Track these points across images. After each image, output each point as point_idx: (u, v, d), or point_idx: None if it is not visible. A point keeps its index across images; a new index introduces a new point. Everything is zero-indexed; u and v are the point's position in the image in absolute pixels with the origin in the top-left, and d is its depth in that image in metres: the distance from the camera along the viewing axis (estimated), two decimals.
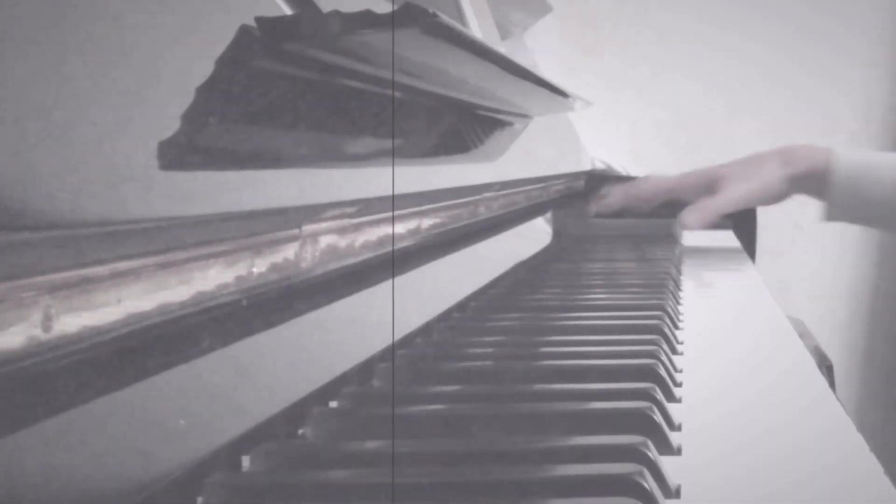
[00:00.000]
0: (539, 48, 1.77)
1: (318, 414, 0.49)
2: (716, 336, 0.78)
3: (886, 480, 0.43)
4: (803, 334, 1.24)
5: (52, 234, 0.30)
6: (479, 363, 0.64)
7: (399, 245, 0.67)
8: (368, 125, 0.62)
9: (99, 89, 0.34)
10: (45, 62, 0.32)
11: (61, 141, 0.31)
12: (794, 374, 0.65)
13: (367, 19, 0.48)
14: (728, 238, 1.54)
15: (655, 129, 2.32)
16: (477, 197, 0.91)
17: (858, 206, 1.31)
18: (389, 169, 0.61)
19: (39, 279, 0.31)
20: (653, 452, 0.43)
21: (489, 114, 0.99)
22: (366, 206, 0.59)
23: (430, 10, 0.49)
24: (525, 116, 1.14)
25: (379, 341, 0.61)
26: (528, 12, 1.67)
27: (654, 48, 2.31)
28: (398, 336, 0.64)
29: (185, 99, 0.40)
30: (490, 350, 0.69)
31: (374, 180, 0.60)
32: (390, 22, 0.48)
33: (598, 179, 1.59)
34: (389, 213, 0.64)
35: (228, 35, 0.45)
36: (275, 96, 0.49)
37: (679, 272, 1.13)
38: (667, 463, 0.43)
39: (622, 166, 1.76)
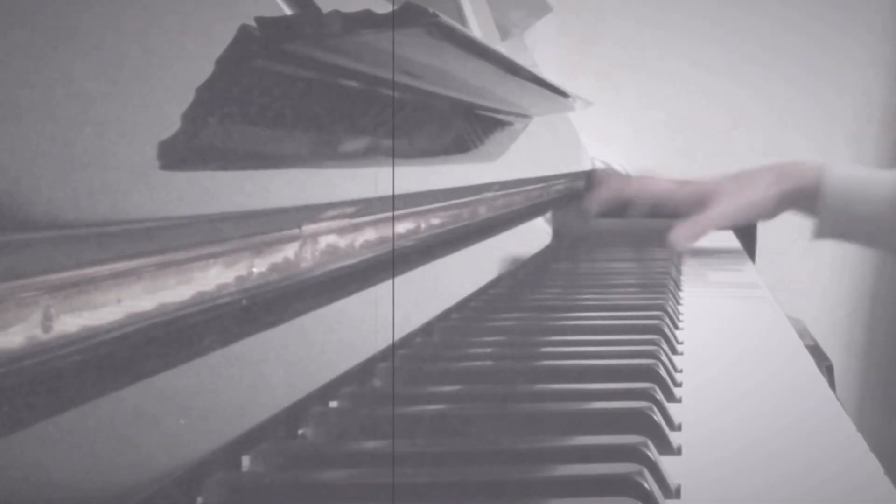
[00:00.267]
0: (539, 48, 1.77)
1: (318, 414, 0.49)
2: (716, 336, 0.78)
3: (886, 480, 0.43)
4: (803, 334, 1.24)
5: (52, 234, 0.30)
6: (479, 363, 0.64)
7: (399, 245, 0.67)
8: (368, 125, 0.62)
9: (99, 89, 0.34)
10: (45, 62, 0.32)
11: (61, 141, 0.31)
12: (794, 375, 0.65)
13: (367, 19, 0.48)
14: (728, 238, 1.54)
15: (655, 130, 2.32)
16: (477, 197, 0.91)
17: (848, 223, 1.31)
18: (389, 169, 0.61)
19: (39, 279, 0.31)
20: (653, 452, 0.43)
21: (489, 114, 0.99)
22: (366, 206, 0.59)
23: (431, 10, 0.49)
24: (525, 116, 1.14)
25: (379, 341, 0.61)
26: (528, 12, 1.67)
27: (654, 48, 2.31)
28: (398, 336, 0.64)
29: (186, 99, 0.40)
30: (490, 350, 0.69)
31: (374, 180, 0.60)
32: (390, 22, 0.48)
33: (598, 179, 1.59)
34: (389, 213, 0.64)
35: (228, 35, 0.45)
36: (275, 96, 0.49)
37: (679, 272, 1.13)
38: (667, 463, 0.43)
39: (622, 166, 1.76)
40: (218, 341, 0.43)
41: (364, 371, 0.58)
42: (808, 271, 2.35)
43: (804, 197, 1.33)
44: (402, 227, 0.68)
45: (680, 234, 1.32)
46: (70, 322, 0.33)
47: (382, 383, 0.59)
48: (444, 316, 0.76)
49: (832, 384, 1.52)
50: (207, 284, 0.41)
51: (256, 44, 0.46)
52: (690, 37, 2.30)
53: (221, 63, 0.43)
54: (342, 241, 0.56)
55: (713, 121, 2.32)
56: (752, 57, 2.29)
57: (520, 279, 1.03)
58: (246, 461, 0.43)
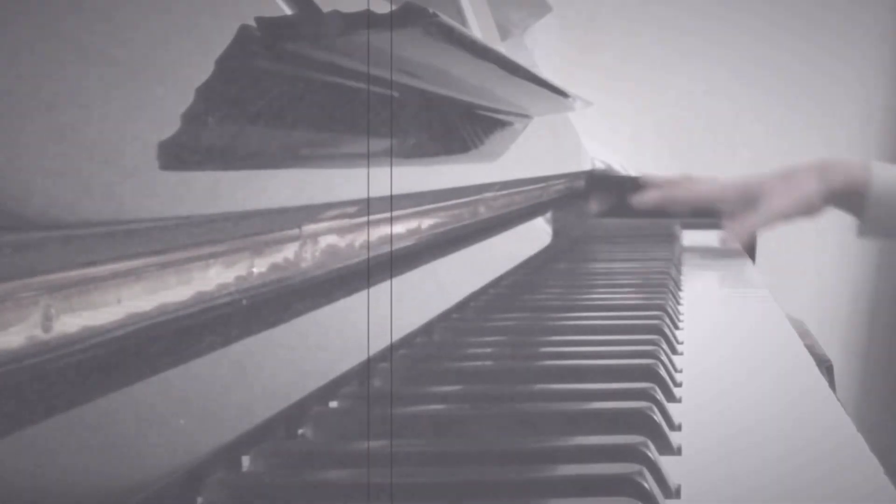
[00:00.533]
0: (539, 48, 1.77)
1: (318, 414, 0.49)
2: (716, 336, 0.78)
3: (886, 480, 0.43)
4: (803, 334, 1.24)
5: (52, 234, 0.30)
6: (479, 363, 0.64)
7: (399, 245, 0.67)
8: (368, 125, 0.62)
9: (99, 89, 0.34)
10: (45, 62, 0.32)
11: (61, 141, 0.31)
12: (794, 374, 0.65)
13: (367, 19, 0.48)
14: None
15: (656, 129, 2.32)
16: (477, 197, 0.91)
17: (894, 222, 1.32)
18: (389, 169, 0.61)
19: (39, 279, 0.31)
20: (653, 452, 0.43)
21: (489, 114, 0.99)
22: (366, 206, 0.59)
23: (431, 10, 0.49)
24: (525, 116, 1.14)
25: (379, 341, 0.61)
26: (528, 12, 1.67)
27: (654, 48, 2.31)
28: (398, 336, 0.64)
29: (185, 99, 0.40)
30: (490, 350, 0.69)
31: (374, 180, 0.60)
32: (390, 22, 0.48)
33: (598, 179, 1.59)
34: (389, 213, 0.64)
35: (228, 35, 0.45)
36: (275, 96, 0.49)
37: (679, 272, 1.13)
38: (667, 463, 0.43)
39: (622, 166, 1.76)
40: (218, 341, 0.43)
41: (364, 371, 0.58)
42: (808, 271, 2.35)
43: (850, 195, 1.33)
44: (402, 227, 0.68)
45: (733, 233, 1.32)
46: (70, 322, 0.33)
47: (382, 383, 0.59)
48: (444, 316, 0.76)
49: (832, 384, 1.52)
50: (207, 284, 0.41)
51: (256, 44, 0.46)
52: (690, 37, 2.30)
53: (221, 63, 0.43)
54: (342, 241, 0.56)
55: (713, 121, 2.32)
56: (753, 56, 2.29)
57: (520, 279, 1.03)
58: (246, 461, 0.43)
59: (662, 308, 0.81)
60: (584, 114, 1.39)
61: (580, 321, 0.79)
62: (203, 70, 0.42)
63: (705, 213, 1.44)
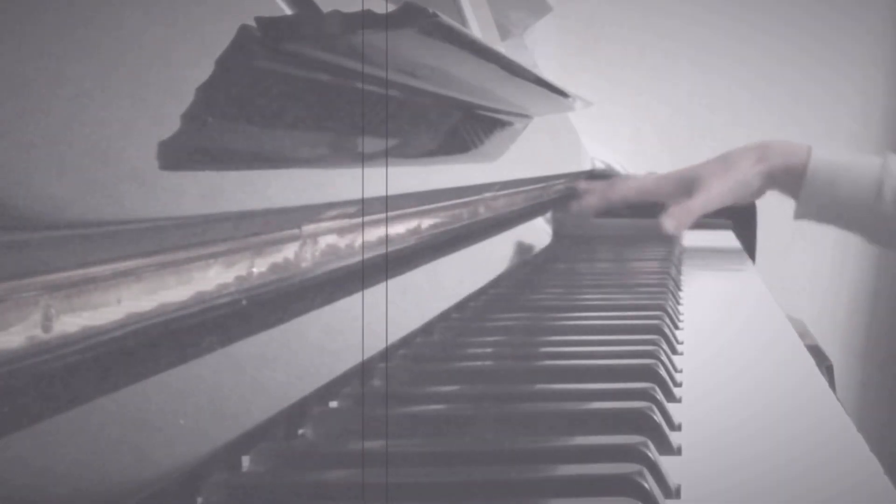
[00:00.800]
0: (539, 48, 1.77)
1: (318, 414, 0.49)
2: (716, 336, 0.78)
3: (886, 480, 0.43)
4: (803, 334, 1.24)
5: (52, 234, 0.30)
6: (479, 363, 0.64)
7: (399, 245, 0.67)
8: (368, 125, 0.62)
9: (99, 89, 0.34)
10: (46, 62, 0.32)
11: (61, 141, 0.31)
12: (794, 374, 0.65)
13: (367, 19, 0.48)
14: (728, 238, 1.54)
15: (655, 129, 2.32)
16: (477, 197, 0.91)
17: (830, 206, 1.31)
18: (389, 168, 0.61)
19: (39, 279, 0.31)
20: (653, 452, 0.43)
21: (489, 114, 0.99)
22: (366, 207, 0.59)
23: (430, 10, 0.49)
24: (525, 116, 1.14)
25: (379, 341, 0.61)
26: (528, 12, 1.67)
27: (653, 48, 2.31)
28: (398, 336, 0.64)
29: (185, 99, 0.40)
30: (490, 350, 0.69)
31: (374, 180, 0.60)
32: (390, 22, 0.48)
33: (598, 179, 1.59)
34: (389, 213, 0.64)
35: (228, 35, 0.45)
36: (275, 96, 0.49)
37: (679, 272, 1.13)
38: (667, 463, 0.43)
39: (622, 166, 1.76)
40: (218, 341, 0.43)
41: (365, 371, 0.58)
42: (808, 271, 2.35)
43: (789, 176, 1.33)
44: (402, 227, 0.68)
45: (671, 219, 1.32)
46: (70, 322, 0.33)
47: (382, 383, 0.59)
48: (445, 316, 0.76)
49: (832, 384, 1.52)
50: (207, 284, 0.41)
51: (256, 44, 0.46)
52: (690, 36, 2.30)
53: (221, 63, 0.43)
54: (342, 241, 0.56)
55: (713, 121, 2.32)
56: (752, 56, 2.29)
57: (520, 279, 1.03)
58: (246, 461, 0.43)
59: (662, 308, 0.81)
60: (584, 114, 1.39)
61: (580, 321, 0.79)
62: (203, 70, 0.42)
63: (648, 207, 1.44)
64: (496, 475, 0.41)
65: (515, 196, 1.11)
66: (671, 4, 2.30)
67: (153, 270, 0.37)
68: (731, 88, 2.30)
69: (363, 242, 0.59)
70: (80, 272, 0.33)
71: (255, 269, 0.46)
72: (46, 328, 0.31)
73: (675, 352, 0.69)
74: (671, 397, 0.56)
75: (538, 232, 1.31)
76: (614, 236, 1.51)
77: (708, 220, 1.46)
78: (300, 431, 0.48)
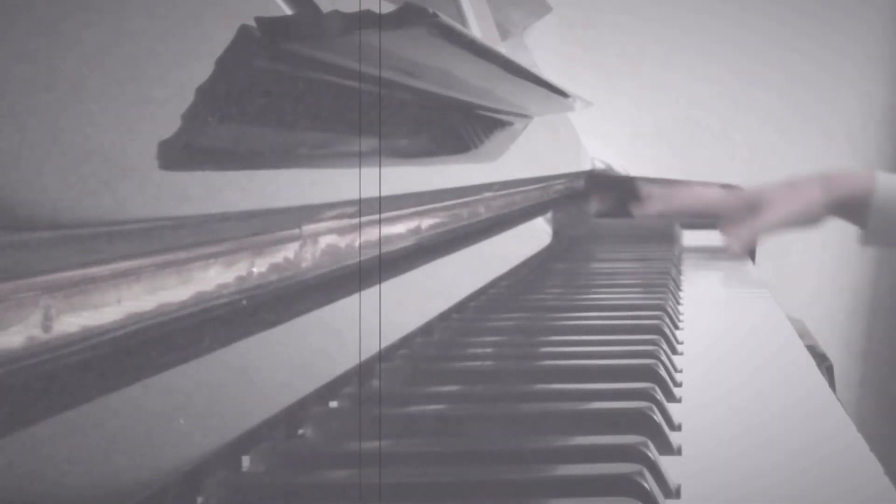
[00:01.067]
0: (539, 48, 1.77)
1: (318, 414, 0.49)
2: (716, 336, 0.78)
3: (886, 480, 0.43)
4: (803, 334, 1.24)
5: (52, 234, 0.30)
6: (479, 363, 0.64)
7: (399, 245, 0.67)
8: (368, 125, 0.62)
9: (99, 89, 0.34)
10: (46, 62, 0.32)
11: (61, 141, 0.31)
12: (794, 374, 0.65)
13: (367, 19, 0.48)
14: None
15: (655, 129, 2.32)
16: (477, 197, 0.91)
17: None
18: (389, 168, 0.61)
19: (39, 279, 0.31)
20: (653, 452, 0.43)
21: (489, 114, 0.99)
22: (366, 206, 0.59)
23: (431, 10, 0.49)
24: (525, 116, 1.14)
25: (378, 341, 0.60)
26: (528, 12, 1.67)
27: (653, 48, 2.31)
28: (399, 336, 0.64)
29: (185, 99, 0.40)
30: (490, 350, 0.69)
31: (374, 180, 0.60)
32: (390, 22, 0.48)
33: (598, 179, 1.59)
34: (389, 213, 0.64)
35: (228, 35, 0.45)
36: (275, 96, 0.49)
37: (679, 272, 1.13)
38: (667, 463, 0.43)
39: (622, 166, 1.76)
40: (218, 341, 0.43)
41: (364, 371, 0.58)
42: (808, 271, 2.35)
43: (853, 205, 1.35)
44: (403, 227, 0.68)
45: (735, 239, 1.34)
46: (70, 322, 0.33)
47: (382, 383, 0.59)
48: (445, 316, 0.76)
49: (832, 384, 1.52)
50: (207, 284, 0.41)
51: (256, 44, 0.46)
52: (690, 37, 2.30)
53: (221, 63, 0.43)
54: (342, 241, 0.56)
55: (713, 121, 2.31)
56: (753, 57, 2.29)
57: (520, 279, 1.03)
58: (246, 461, 0.43)
59: (662, 308, 0.81)
60: (584, 114, 1.39)
61: (580, 321, 0.79)
62: (203, 70, 0.42)
63: (705, 220, 1.45)
64: (496, 475, 0.41)
65: (515, 196, 1.11)
66: (671, 5, 2.30)
67: (153, 270, 0.37)
68: (730, 87, 2.30)
69: (360, 243, 0.59)
70: (80, 272, 0.33)
71: (255, 269, 0.46)
72: (46, 328, 0.31)
73: (675, 352, 0.69)
74: (671, 397, 0.56)
75: (538, 232, 1.31)
76: (614, 236, 1.51)
77: (707, 221, 1.46)
78: (300, 431, 0.48)
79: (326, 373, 0.52)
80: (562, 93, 0.99)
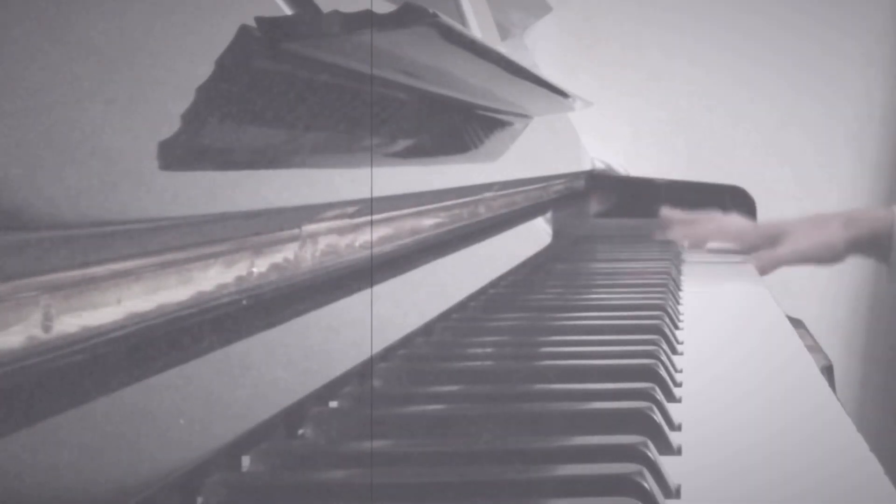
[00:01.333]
0: (539, 48, 1.77)
1: (317, 414, 0.49)
2: (716, 336, 0.78)
3: (886, 480, 0.43)
4: (803, 334, 1.24)
5: (52, 234, 0.30)
6: (479, 363, 0.64)
7: (399, 245, 0.67)
8: (368, 125, 0.62)
9: (99, 89, 0.34)
10: (45, 62, 0.32)
11: (61, 141, 0.31)
12: (794, 375, 0.65)
13: (367, 19, 0.48)
14: None
15: (655, 129, 2.32)
16: (477, 197, 0.91)
17: None
18: (389, 168, 0.61)
19: (39, 279, 0.31)
20: (653, 452, 0.43)
21: (489, 114, 0.99)
22: (366, 206, 0.59)
23: (431, 10, 0.49)
24: (525, 116, 1.14)
25: (379, 341, 0.61)
26: (528, 12, 1.67)
27: (653, 48, 2.31)
28: (399, 336, 0.64)
29: (185, 99, 0.40)
30: (490, 350, 0.69)
31: (374, 180, 0.60)
32: (390, 22, 0.48)
33: (598, 179, 1.59)
34: (389, 213, 0.64)
35: (228, 35, 0.45)
36: (275, 96, 0.49)
37: (679, 272, 1.13)
38: (667, 463, 0.43)
39: (622, 166, 1.76)
40: (218, 341, 0.43)
41: (365, 370, 0.58)
42: (808, 271, 2.35)
43: (875, 243, 1.36)
44: (402, 227, 0.68)
45: (758, 266, 1.35)
46: (70, 322, 0.33)
47: (382, 383, 0.59)
48: (445, 316, 0.76)
49: (832, 384, 1.52)
50: (207, 284, 0.41)
51: (256, 44, 0.46)
52: (690, 37, 2.30)
53: (221, 63, 0.43)
54: (342, 241, 0.56)
55: (713, 121, 2.31)
56: (752, 57, 2.29)
57: (520, 279, 1.03)
58: (246, 461, 0.43)
59: (662, 308, 0.81)
60: (584, 114, 1.39)
61: (580, 321, 0.79)
62: (203, 70, 0.42)
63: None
64: (496, 475, 0.41)
65: (515, 196, 1.11)
66: (671, 5, 2.30)
67: (153, 270, 0.37)
68: (730, 89, 2.30)
69: (355, 242, 0.59)
70: (80, 272, 0.33)
71: (255, 269, 0.46)
72: (46, 328, 0.31)
73: (675, 352, 0.69)
74: (671, 397, 0.56)
75: (538, 232, 1.31)
76: (614, 236, 1.51)
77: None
78: (300, 431, 0.48)
79: (326, 373, 0.52)
80: (562, 93, 0.99)
